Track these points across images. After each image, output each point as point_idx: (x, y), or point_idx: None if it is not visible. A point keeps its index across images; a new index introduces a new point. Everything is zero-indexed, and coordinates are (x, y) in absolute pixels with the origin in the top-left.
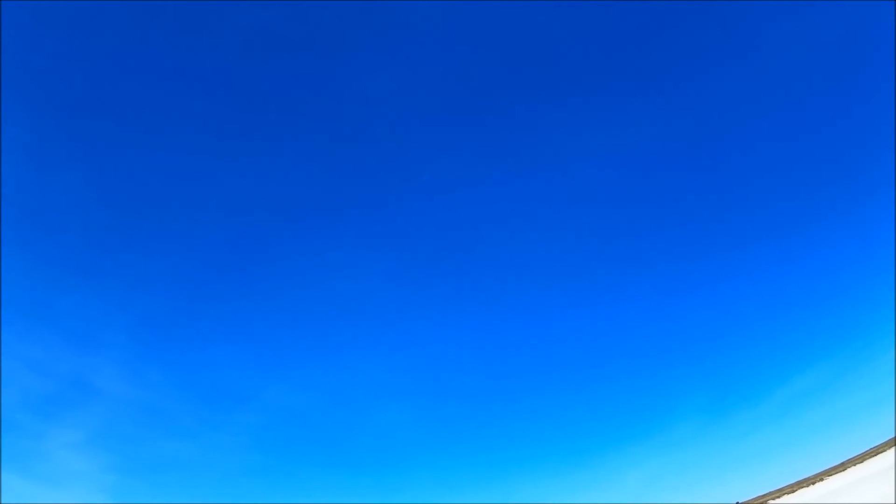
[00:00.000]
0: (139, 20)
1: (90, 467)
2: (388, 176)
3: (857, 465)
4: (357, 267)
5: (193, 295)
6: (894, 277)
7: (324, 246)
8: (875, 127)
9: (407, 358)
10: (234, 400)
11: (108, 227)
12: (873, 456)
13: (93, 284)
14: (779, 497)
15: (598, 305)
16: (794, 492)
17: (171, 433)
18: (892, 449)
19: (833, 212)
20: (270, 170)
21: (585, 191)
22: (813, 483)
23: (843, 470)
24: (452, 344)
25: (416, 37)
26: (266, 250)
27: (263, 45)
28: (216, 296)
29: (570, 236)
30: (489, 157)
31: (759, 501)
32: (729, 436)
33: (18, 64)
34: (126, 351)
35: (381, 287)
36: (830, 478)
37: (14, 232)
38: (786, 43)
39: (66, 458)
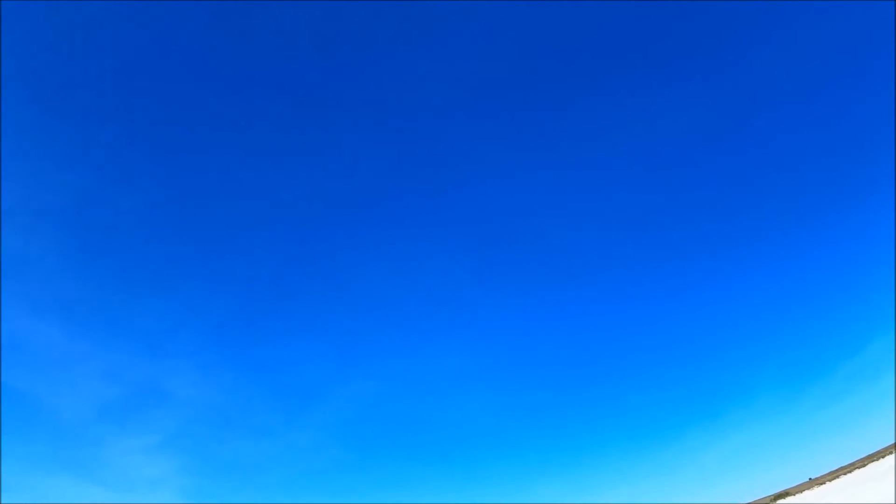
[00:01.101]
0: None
1: (164, 471)
2: (449, 170)
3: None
4: (428, 259)
5: (269, 294)
6: None
7: (393, 239)
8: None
9: (483, 347)
10: (314, 396)
11: (179, 233)
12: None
13: (166, 291)
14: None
15: (676, 289)
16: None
17: (248, 433)
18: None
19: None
20: (340, 168)
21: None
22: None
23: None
24: (527, 330)
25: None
26: (337, 246)
27: (333, 56)
28: (292, 294)
29: (641, 224)
30: (536, 153)
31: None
32: (805, 409)
33: (103, 80)
34: (200, 354)
35: (453, 279)
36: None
37: (86, 243)
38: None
39: (139, 463)
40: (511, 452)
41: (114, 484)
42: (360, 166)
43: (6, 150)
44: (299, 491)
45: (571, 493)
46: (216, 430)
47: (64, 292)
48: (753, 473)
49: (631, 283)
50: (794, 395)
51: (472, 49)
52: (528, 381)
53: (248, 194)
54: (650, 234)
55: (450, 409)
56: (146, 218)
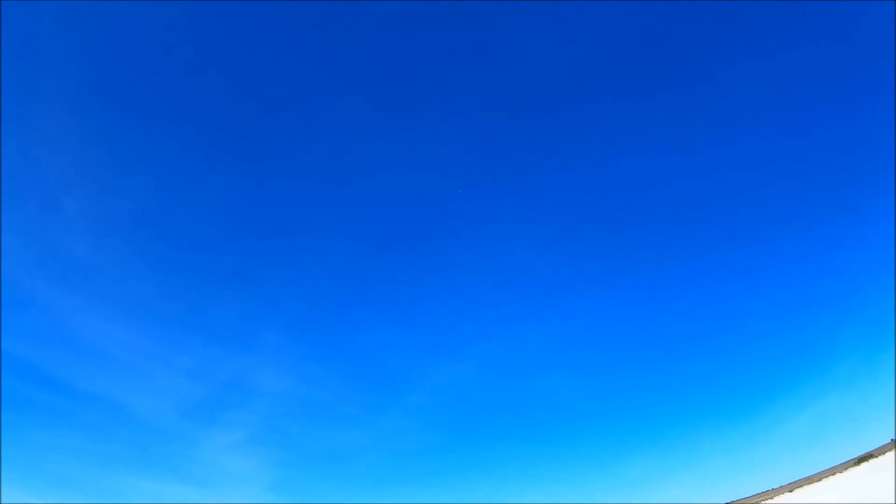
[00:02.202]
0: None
1: (252, 466)
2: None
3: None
4: (512, 243)
5: (350, 283)
6: None
7: (475, 224)
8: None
9: (568, 328)
10: (400, 382)
11: (255, 228)
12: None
13: (245, 286)
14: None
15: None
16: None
17: (336, 423)
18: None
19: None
20: (422, 154)
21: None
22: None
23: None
24: (615, 311)
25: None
26: (418, 233)
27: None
28: (374, 282)
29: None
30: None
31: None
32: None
33: (176, 80)
34: (284, 347)
35: (535, 262)
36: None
37: (161, 245)
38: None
39: (227, 460)
40: (600, 433)
41: (202, 482)
42: (437, 153)
43: (74, 156)
44: (389, 478)
45: (662, 469)
46: (303, 422)
47: (143, 295)
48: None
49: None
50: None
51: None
52: (615, 362)
53: (325, 183)
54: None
55: (536, 391)
56: (221, 214)
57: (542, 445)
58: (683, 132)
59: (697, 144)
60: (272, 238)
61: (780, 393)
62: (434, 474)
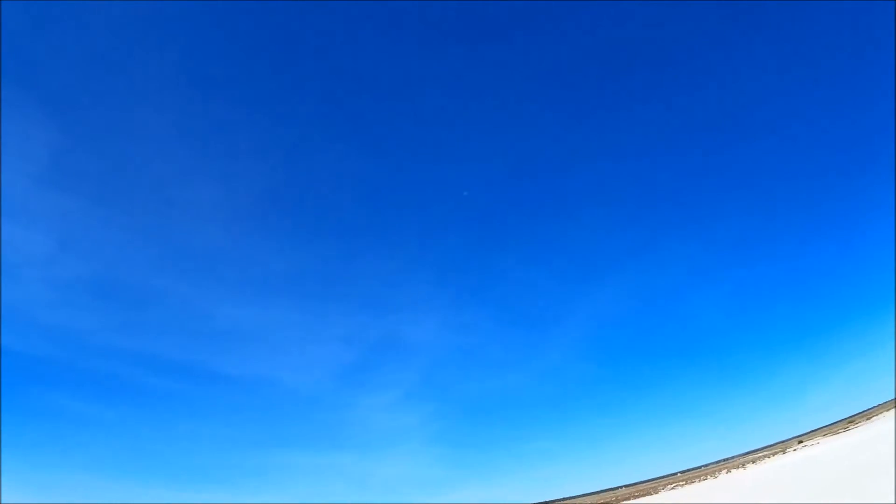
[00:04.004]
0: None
1: (410, 422)
2: None
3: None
4: (652, 169)
5: (490, 226)
6: None
7: (621, 157)
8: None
9: (709, 249)
10: (550, 318)
11: (383, 189)
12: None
13: (386, 248)
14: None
15: None
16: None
17: (491, 369)
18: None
19: None
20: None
21: None
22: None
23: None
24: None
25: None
26: (556, 167)
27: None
28: (512, 220)
29: None
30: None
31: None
32: None
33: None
34: (431, 301)
35: (675, 186)
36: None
37: (291, 227)
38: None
39: (385, 420)
40: (743, 347)
41: (361, 446)
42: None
43: (188, 150)
44: (549, 417)
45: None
46: (459, 371)
47: (280, 275)
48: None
49: None
50: None
51: None
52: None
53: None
54: None
55: (683, 314)
56: (346, 184)
57: (693, 365)
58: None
59: None
60: (405, 193)
61: None
62: (592, 406)
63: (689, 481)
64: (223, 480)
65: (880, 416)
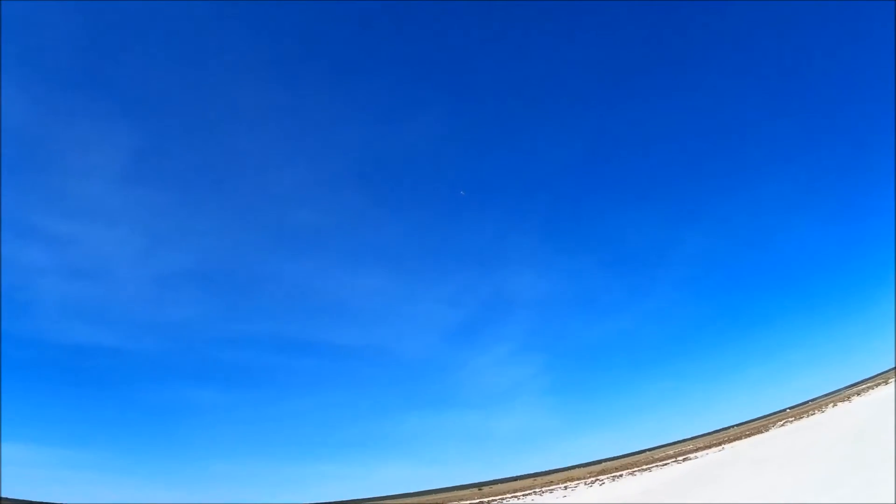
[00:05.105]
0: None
1: (524, 374)
2: None
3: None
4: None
5: (588, 169)
6: None
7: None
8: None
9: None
10: (654, 259)
11: (476, 149)
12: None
13: (484, 206)
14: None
15: None
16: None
17: (599, 313)
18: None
19: None
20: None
21: None
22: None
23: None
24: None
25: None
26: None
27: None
28: (610, 157)
29: None
30: None
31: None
32: None
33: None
34: (535, 251)
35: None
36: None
37: (388, 193)
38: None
39: (497, 375)
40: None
41: (478, 403)
42: None
43: (287, 127)
44: (660, 359)
45: None
46: (568, 320)
47: (382, 243)
48: None
49: None
50: None
51: None
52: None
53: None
54: None
55: (789, 247)
56: (440, 145)
57: (795, 302)
58: None
59: None
60: (500, 151)
61: None
62: (699, 346)
63: (798, 417)
64: (352, 449)
65: None
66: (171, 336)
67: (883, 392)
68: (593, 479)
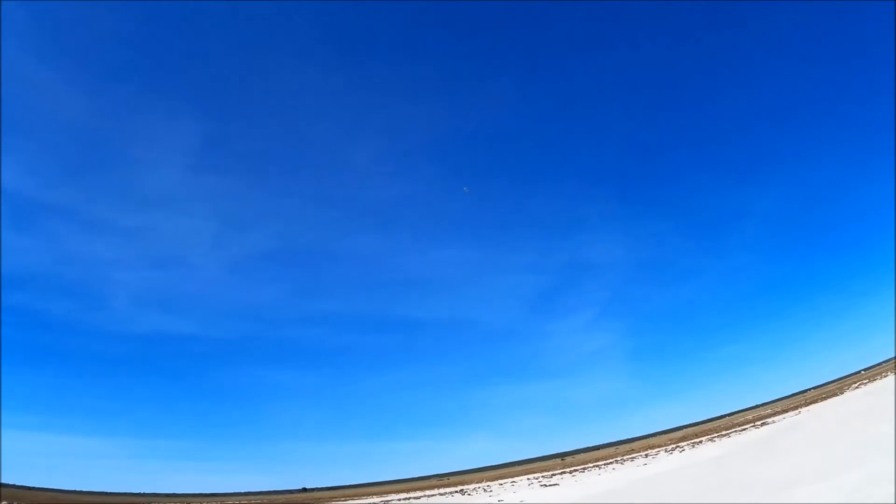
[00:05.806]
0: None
1: (607, 341)
2: None
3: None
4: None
5: (659, 132)
6: None
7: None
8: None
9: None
10: (727, 219)
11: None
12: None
13: (559, 175)
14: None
15: None
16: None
17: (677, 276)
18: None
19: None
20: None
21: None
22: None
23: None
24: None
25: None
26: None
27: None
28: (681, 119)
29: None
30: None
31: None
32: None
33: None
34: (612, 216)
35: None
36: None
37: (477, 161)
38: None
39: (579, 342)
40: None
41: (560, 371)
42: None
43: (355, 105)
44: (739, 320)
45: None
46: (647, 285)
47: (455, 215)
48: None
49: None
50: None
51: None
52: None
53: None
54: None
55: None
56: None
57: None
58: None
59: None
60: (573, 119)
61: None
62: (780, 306)
63: (872, 379)
64: (438, 424)
65: None
66: (248, 319)
67: None
68: (674, 445)
